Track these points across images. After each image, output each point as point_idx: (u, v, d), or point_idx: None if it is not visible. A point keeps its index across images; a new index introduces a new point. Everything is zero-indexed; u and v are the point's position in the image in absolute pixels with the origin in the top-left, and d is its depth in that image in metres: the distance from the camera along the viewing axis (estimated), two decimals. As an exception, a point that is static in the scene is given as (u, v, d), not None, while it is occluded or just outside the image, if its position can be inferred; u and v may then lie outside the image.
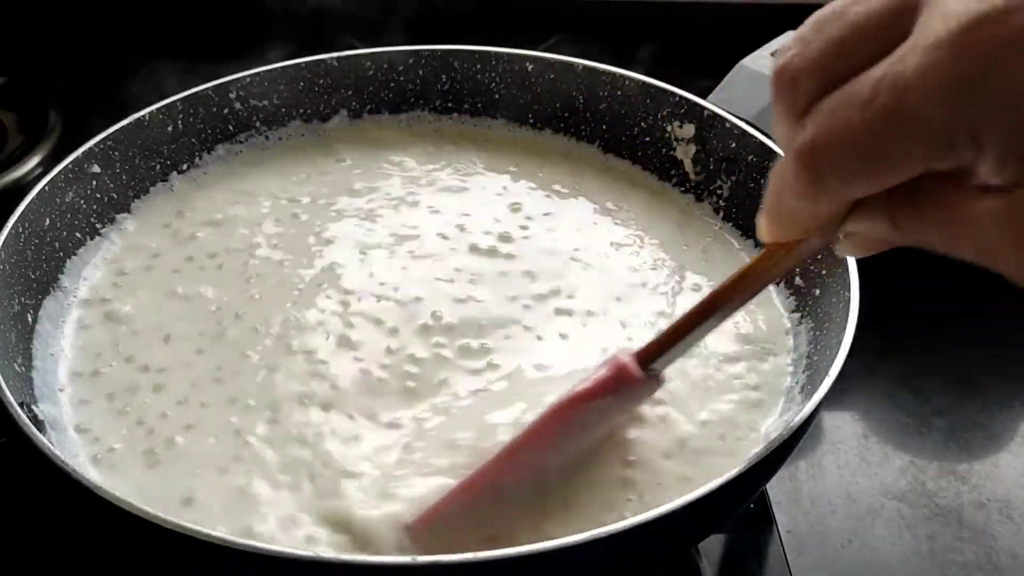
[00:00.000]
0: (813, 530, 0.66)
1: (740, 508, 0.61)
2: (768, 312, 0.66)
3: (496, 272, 0.68)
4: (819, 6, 0.36)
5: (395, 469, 0.55)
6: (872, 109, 0.32)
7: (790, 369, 0.62)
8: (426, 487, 0.52)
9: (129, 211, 0.74)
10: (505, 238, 0.71)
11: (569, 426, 0.52)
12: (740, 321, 0.65)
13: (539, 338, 0.63)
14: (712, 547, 0.64)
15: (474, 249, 0.70)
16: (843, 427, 0.74)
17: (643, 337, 0.63)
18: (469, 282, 0.67)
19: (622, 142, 0.79)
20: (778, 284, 0.67)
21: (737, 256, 0.71)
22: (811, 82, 0.34)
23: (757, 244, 0.70)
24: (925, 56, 0.30)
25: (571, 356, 0.62)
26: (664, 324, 0.63)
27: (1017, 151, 0.30)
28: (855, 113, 0.32)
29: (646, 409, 0.58)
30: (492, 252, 0.70)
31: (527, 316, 0.65)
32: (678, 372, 0.61)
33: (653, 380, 0.52)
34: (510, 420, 0.54)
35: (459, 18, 0.99)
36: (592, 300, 0.67)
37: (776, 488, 0.68)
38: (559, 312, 0.65)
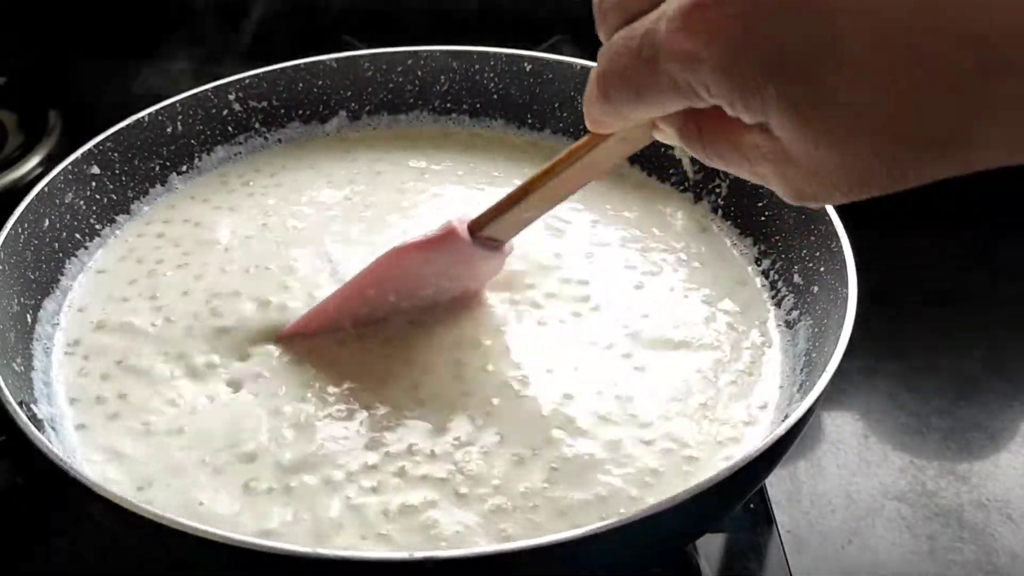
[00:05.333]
0: (813, 530, 0.66)
1: (737, 505, 0.61)
2: (767, 310, 0.66)
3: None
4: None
5: None
6: (639, 59, 0.39)
7: (789, 367, 0.62)
8: None
9: (128, 212, 0.74)
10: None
11: (402, 269, 0.62)
12: (741, 321, 0.65)
13: (541, 323, 0.64)
14: (712, 547, 0.64)
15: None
16: (843, 427, 0.74)
17: (645, 334, 0.64)
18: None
19: (621, 142, 0.79)
20: (775, 294, 0.67)
21: (735, 254, 0.71)
22: (614, 17, 0.41)
23: (755, 242, 0.70)
24: (668, 25, 0.37)
25: (578, 337, 0.63)
26: (663, 321, 0.65)
27: (743, 105, 0.36)
28: (628, 60, 0.39)
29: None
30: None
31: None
32: (678, 367, 0.61)
33: (488, 245, 0.60)
34: None
35: (459, 19, 0.99)
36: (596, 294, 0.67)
37: (776, 488, 0.68)
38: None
